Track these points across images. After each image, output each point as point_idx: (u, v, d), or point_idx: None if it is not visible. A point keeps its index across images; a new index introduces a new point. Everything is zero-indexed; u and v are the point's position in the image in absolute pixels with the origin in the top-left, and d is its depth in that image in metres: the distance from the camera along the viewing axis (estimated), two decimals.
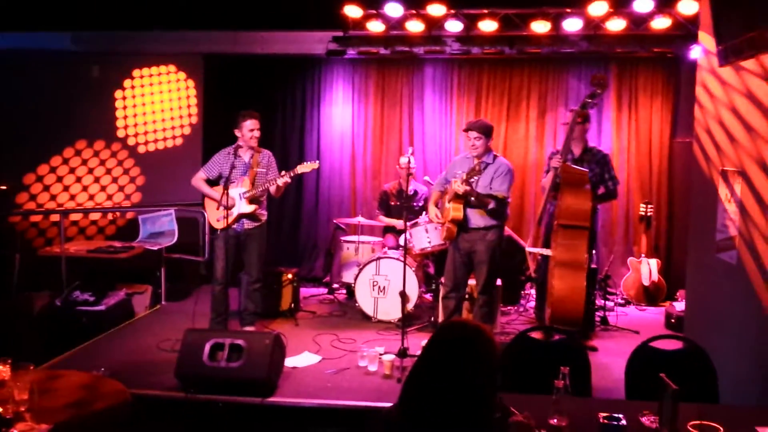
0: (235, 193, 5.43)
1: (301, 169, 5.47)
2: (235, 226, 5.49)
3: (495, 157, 5.23)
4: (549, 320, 4.82)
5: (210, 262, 5.68)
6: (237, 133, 5.49)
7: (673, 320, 6.17)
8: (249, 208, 5.47)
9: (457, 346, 1.99)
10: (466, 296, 5.54)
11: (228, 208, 5.36)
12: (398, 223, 6.93)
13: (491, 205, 5.04)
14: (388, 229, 7.17)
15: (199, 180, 5.56)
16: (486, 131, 5.18)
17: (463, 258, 5.25)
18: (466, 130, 5.30)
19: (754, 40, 3.31)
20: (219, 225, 5.44)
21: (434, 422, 1.93)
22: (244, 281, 5.67)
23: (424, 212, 6.97)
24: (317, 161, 5.63)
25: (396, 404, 2.04)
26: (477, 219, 5.15)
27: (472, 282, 5.52)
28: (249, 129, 5.46)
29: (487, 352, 1.99)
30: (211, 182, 5.59)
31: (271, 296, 6.34)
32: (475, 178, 5.03)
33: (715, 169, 4.34)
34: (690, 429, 2.44)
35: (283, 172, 5.47)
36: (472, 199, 5.07)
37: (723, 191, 4.16)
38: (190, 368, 4.31)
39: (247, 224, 5.53)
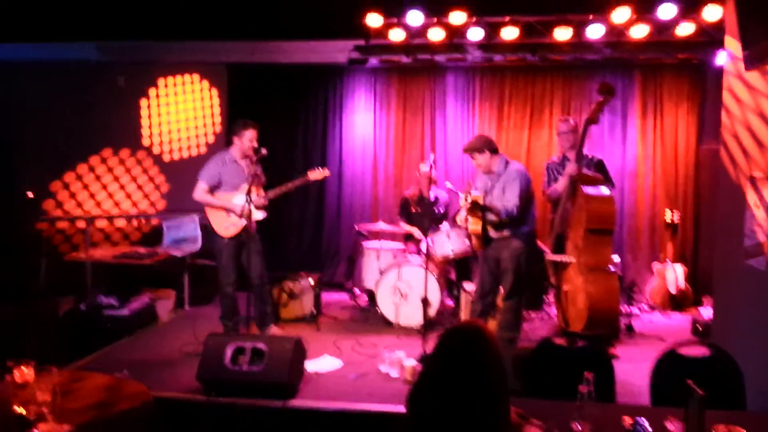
0: (241, 200, 5.44)
1: (312, 176, 5.62)
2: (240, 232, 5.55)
3: (506, 164, 5.21)
4: (586, 324, 4.81)
5: (216, 267, 5.67)
6: (236, 140, 5.57)
7: (699, 327, 6.07)
8: (260, 215, 5.56)
9: (458, 351, 1.96)
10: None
11: (247, 215, 5.37)
12: (416, 232, 6.93)
13: (502, 214, 5.03)
14: (408, 236, 7.16)
15: (203, 193, 5.52)
16: (477, 148, 5.19)
17: (491, 266, 5.25)
18: (465, 152, 5.36)
19: None
20: (229, 232, 5.50)
21: (440, 427, 1.90)
22: (255, 283, 5.65)
23: (444, 219, 6.98)
24: (327, 169, 5.77)
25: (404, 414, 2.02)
26: (492, 232, 5.18)
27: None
28: (249, 138, 5.54)
29: (488, 355, 1.95)
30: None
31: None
32: (470, 196, 5.10)
33: (743, 175, 4.27)
34: None
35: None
36: (489, 215, 5.12)
37: (751, 197, 4.10)
38: (212, 371, 4.33)
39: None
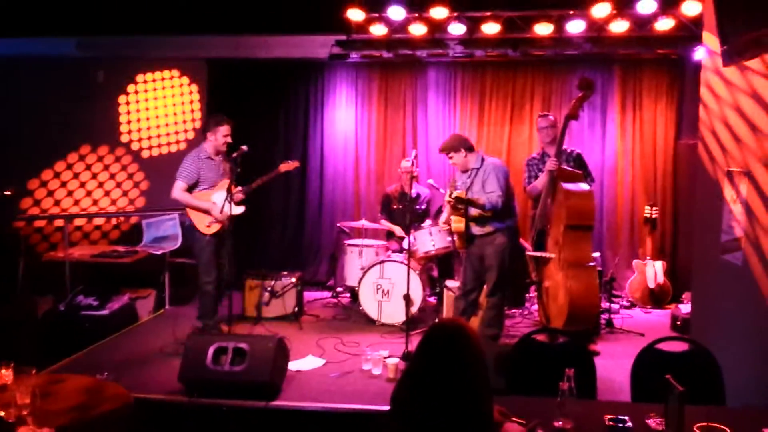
0: (220, 196, 5.45)
1: (283, 167, 5.76)
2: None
3: (482, 160, 5.28)
4: (566, 320, 4.84)
5: (196, 266, 5.63)
6: (210, 136, 5.56)
7: (678, 322, 6.14)
8: (240, 210, 5.57)
9: (440, 349, 1.97)
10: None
11: (234, 214, 5.46)
12: (397, 230, 6.93)
13: (487, 207, 5.08)
14: (390, 233, 7.16)
15: (182, 192, 5.47)
16: (454, 148, 5.27)
17: (474, 264, 5.32)
18: (441, 152, 5.41)
19: (758, 40, 3.29)
20: (211, 230, 5.49)
21: (424, 425, 1.90)
22: (229, 281, 5.68)
23: (426, 215, 6.99)
24: (297, 161, 5.93)
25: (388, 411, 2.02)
26: (477, 228, 5.24)
27: None
28: (223, 134, 5.55)
29: (471, 353, 1.96)
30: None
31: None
32: (455, 191, 5.13)
33: (721, 170, 4.32)
34: (696, 431, 2.42)
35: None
36: (470, 208, 5.16)
37: (729, 192, 4.14)
38: (194, 372, 4.30)
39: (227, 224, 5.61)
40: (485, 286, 5.36)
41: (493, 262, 5.18)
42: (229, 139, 5.58)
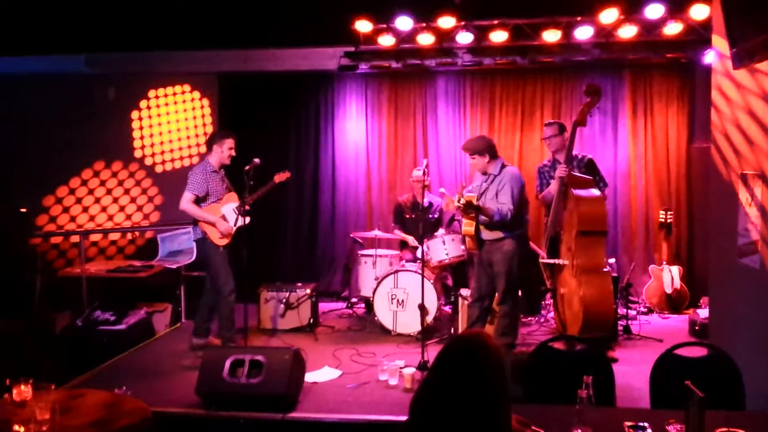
0: (229, 209, 5.64)
1: (278, 178, 5.92)
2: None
3: (502, 167, 5.27)
4: (581, 327, 4.81)
5: (213, 277, 5.66)
6: (216, 148, 5.65)
7: (697, 327, 6.09)
8: (244, 221, 5.63)
9: (460, 361, 1.96)
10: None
11: (241, 225, 5.59)
12: (411, 240, 6.94)
13: (495, 217, 5.08)
14: (404, 244, 7.16)
15: (189, 203, 5.52)
16: (478, 150, 5.26)
17: (485, 269, 5.32)
18: (464, 150, 5.41)
19: (767, 42, 3.29)
20: (223, 242, 5.58)
21: None
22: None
23: (439, 224, 6.99)
24: (288, 171, 6.05)
25: (406, 422, 2.01)
26: (488, 233, 5.24)
27: None
28: (229, 147, 5.66)
29: (491, 365, 1.95)
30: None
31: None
32: (463, 199, 5.12)
33: (735, 173, 4.30)
34: None
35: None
36: (481, 216, 5.16)
37: (743, 195, 4.11)
38: (211, 385, 4.31)
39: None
40: (497, 294, 5.35)
41: (501, 268, 5.18)
42: (233, 152, 5.68)
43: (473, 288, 5.48)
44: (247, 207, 5.63)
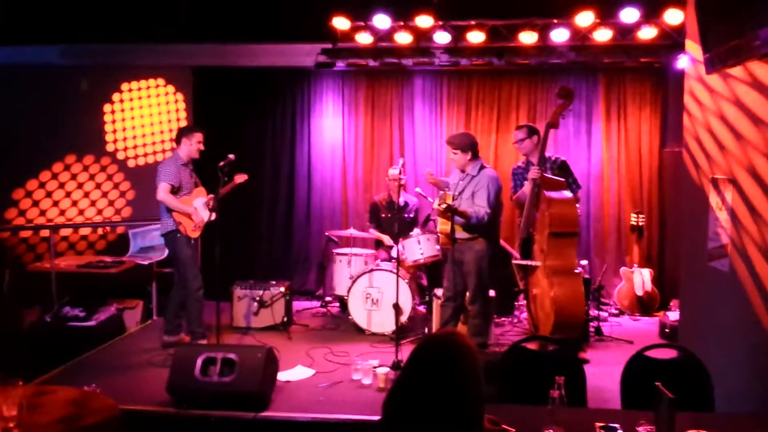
0: (199, 203, 5.71)
1: (238, 179, 5.93)
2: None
3: (481, 168, 5.32)
4: (552, 328, 4.84)
5: (181, 272, 5.67)
6: (185, 141, 5.71)
7: (667, 330, 6.17)
8: (214, 216, 5.67)
9: (434, 361, 1.96)
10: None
11: (209, 217, 5.69)
12: (386, 239, 6.94)
13: (473, 220, 5.14)
14: (379, 243, 7.16)
15: (168, 194, 5.54)
16: (462, 146, 5.29)
17: (457, 267, 5.33)
18: (447, 144, 5.45)
19: (740, 48, 3.33)
20: (195, 234, 5.64)
21: None
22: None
23: (414, 224, 7.00)
24: (246, 174, 6.02)
25: (379, 421, 2.01)
26: (460, 231, 5.27)
27: None
28: (198, 141, 5.73)
29: (465, 365, 1.95)
30: None
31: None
32: (448, 201, 5.15)
33: (706, 177, 4.36)
34: None
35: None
36: (457, 217, 5.20)
37: (714, 199, 4.18)
38: (182, 383, 4.27)
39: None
40: (468, 294, 5.38)
41: (471, 268, 5.24)
42: (202, 146, 5.74)
43: (445, 287, 5.51)
44: (215, 203, 5.65)
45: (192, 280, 5.56)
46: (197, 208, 5.65)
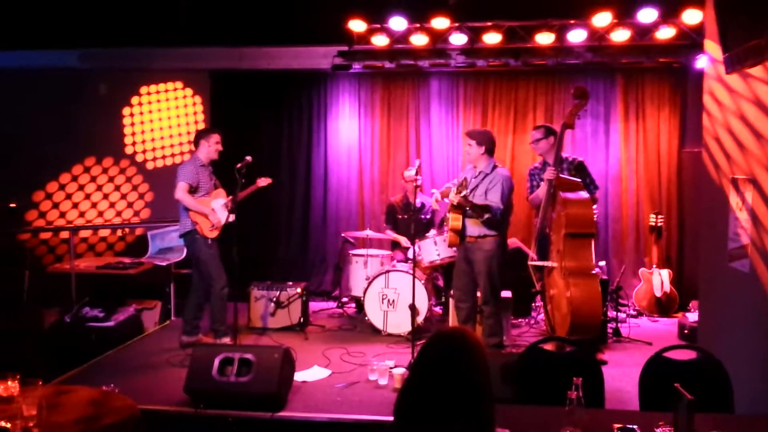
0: (218, 204, 5.73)
1: (261, 182, 6.05)
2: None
3: (494, 167, 5.29)
4: (569, 329, 4.82)
5: (204, 271, 5.69)
6: (204, 143, 5.74)
7: (686, 331, 6.12)
8: (232, 217, 5.70)
9: (442, 355, 1.95)
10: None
11: (228, 222, 5.71)
12: (403, 240, 6.94)
13: (486, 216, 5.11)
14: (395, 244, 7.16)
15: (185, 193, 5.59)
16: (480, 140, 5.28)
17: (466, 267, 5.33)
18: (466, 135, 5.41)
19: (760, 47, 3.30)
20: (213, 235, 5.65)
21: None
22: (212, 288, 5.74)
23: (431, 225, 6.99)
24: (270, 178, 6.14)
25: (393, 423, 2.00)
26: (472, 229, 5.23)
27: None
28: (216, 141, 5.75)
29: (472, 360, 1.94)
30: None
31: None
32: (465, 191, 5.08)
33: (726, 178, 4.32)
34: None
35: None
36: (468, 209, 5.15)
37: (734, 199, 4.13)
38: (200, 383, 4.29)
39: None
40: (479, 294, 5.37)
41: (481, 268, 5.21)
42: (220, 147, 5.77)
43: (455, 290, 5.48)
44: (233, 205, 5.69)
45: (217, 279, 5.61)
46: (215, 210, 5.68)
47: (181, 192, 5.57)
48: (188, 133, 8.17)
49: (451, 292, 6.05)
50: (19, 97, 7.91)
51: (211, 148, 5.72)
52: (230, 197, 5.75)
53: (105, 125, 8.01)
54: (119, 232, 8.10)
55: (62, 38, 7.53)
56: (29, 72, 7.86)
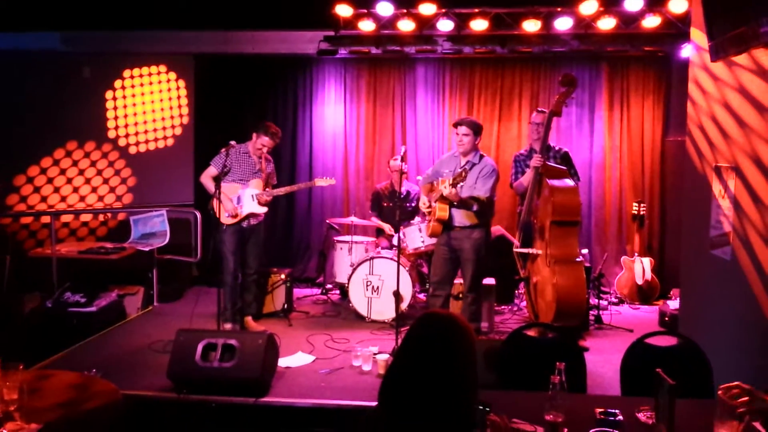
0: (248, 193, 5.72)
1: (319, 182, 6.15)
2: (243, 222, 5.72)
3: (481, 157, 5.31)
4: (554, 316, 4.85)
5: (216, 257, 5.70)
6: (254, 136, 5.75)
7: (666, 318, 6.17)
8: (261, 210, 5.76)
9: (432, 338, 1.93)
10: (454, 295, 5.59)
11: (252, 213, 5.76)
12: (387, 227, 6.93)
13: (475, 207, 5.14)
14: (380, 231, 7.16)
15: (207, 178, 5.72)
16: (475, 128, 5.28)
17: (450, 255, 5.34)
18: (456, 125, 5.37)
19: (745, 35, 3.31)
20: (228, 221, 5.65)
21: (413, 416, 1.88)
22: (242, 274, 5.84)
23: (416, 213, 6.98)
24: (333, 179, 6.24)
25: (376, 406, 1.99)
26: (461, 218, 5.24)
27: (458, 281, 5.60)
28: (261, 143, 5.74)
29: (462, 344, 1.94)
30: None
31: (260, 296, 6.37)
32: (461, 184, 5.03)
33: (709, 166, 4.35)
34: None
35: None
36: (455, 202, 5.14)
37: (717, 187, 4.16)
38: (183, 368, 4.28)
39: (253, 221, 5.80)
40: (463, 282, 5.38)
41: (470, 256, 5.24)
42: (263, 151, 5.77)
43: (435, 277, 5.42)
44: (268, 198, 5.79)
45: (224, 266, 5.69)
46: (240, 197, 5.70)
47: (203, 176, 5.76)
48: (171, 117, 8.09)
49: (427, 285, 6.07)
50: (0, 79, 7.78)
51: (255, 144, 5.74)
52: (265, 190, 5.77)
53: (87, 109, 7.90)
54: (101, 217, 8.02)
55: (44, 20, 7.40)
56: (10, 54, 7.72)
